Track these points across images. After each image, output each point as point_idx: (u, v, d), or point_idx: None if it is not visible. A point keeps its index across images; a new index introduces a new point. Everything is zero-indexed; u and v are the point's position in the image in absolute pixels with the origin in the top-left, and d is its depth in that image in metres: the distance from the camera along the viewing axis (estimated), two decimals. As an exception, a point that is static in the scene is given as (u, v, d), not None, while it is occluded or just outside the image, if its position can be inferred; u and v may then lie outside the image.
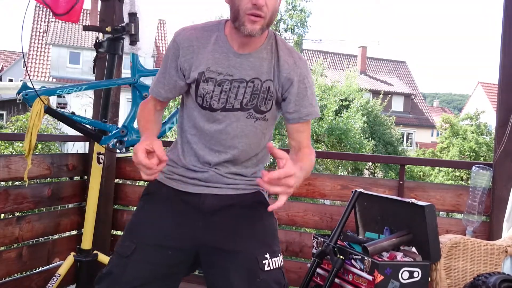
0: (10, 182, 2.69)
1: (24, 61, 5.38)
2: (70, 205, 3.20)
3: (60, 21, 23.79)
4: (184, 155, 1.54)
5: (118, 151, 2.56)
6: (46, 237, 2.87)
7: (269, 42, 1.50)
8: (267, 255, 1.46)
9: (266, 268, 1.44)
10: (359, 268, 1.95)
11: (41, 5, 2.57)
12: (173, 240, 1.48)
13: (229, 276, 1.43)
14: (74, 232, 3.05)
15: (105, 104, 2.63)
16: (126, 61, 2.65)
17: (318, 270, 2.18)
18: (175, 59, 1.49)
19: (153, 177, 1.29)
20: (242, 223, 1.50)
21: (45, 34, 23.36)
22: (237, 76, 1.46)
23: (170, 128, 2.58)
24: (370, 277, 1.88)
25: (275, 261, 1.47)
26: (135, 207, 3.48)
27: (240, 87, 1.47)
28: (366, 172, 15.91)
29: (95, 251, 2.71)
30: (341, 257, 2.02)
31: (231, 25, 1.44)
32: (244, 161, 1.54)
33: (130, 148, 2.54)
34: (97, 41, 2.57)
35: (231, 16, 1.42)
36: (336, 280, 2.04)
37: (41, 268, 2.75)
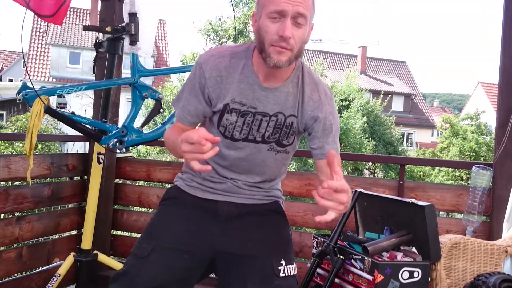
0: (10, 182, 2.69)
1: (24, 61, 5.39)
2: (70, 205, 3.20)
3: (60, 21, 23.77)
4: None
5: (118, 151, 2.56)
6: (46, 237, 2.87)
7: (296, 75, 1.46)
8: (283, 262, 1.48)
9: (282, 274, 1.46)
10: (359, 268, 1.95)
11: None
12: (190, 245, 1.49)
13: (245, 281, 1.44)
14: (74, 232, 3.05)
15: (105, 104, 2.63)
16: (126, 61, 2.65)
17: (318, 270, 2.18)
18: (201, 88, 1.46)
19: (205, 157, 1.17)
20: (258, 230, 1.53)
21: (45, 34, 23.36)
22: (260, 109, 1.45)
23: (170, 128, 2.58)
24: (370, 277, 1.88)
25: (290, 268, 1.49)
26: (135, 207, 3.48)
27: (263, 121, 1.47)
28: (366, 172, 15.90)
29: (95, 251, 2.71)
30: (341, 257, 2.02)
31: (258, 55, 1.41)
32: (262, 181, 1.58)
33: (130, 148, 2.54)
34: (97, 41, 2.57)
35: (258, 46, 1.39)
36: (336, 280, 2.04)
37: (41, 268, 2.75)
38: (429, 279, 2.00)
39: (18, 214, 2.93)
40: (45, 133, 9.55)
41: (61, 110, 2.45)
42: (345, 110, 15.51)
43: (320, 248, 2.14)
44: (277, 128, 1.48)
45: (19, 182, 2.63)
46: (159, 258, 1.46)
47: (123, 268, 1.50)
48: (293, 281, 1.48)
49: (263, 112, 1.45)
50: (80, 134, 2.51)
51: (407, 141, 28.04)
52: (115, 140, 2.43)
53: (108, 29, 2.47)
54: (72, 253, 2.63)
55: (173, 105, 1.54)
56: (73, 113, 2.41)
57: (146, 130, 2.61)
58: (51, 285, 2.46)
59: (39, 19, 23.32)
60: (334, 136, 1.50)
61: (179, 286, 1.49)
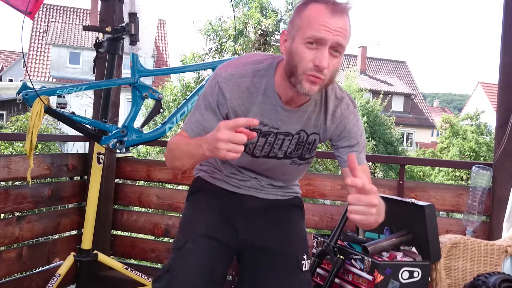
0: (10, 182, 2.69)
1: (24, 61, 5.38)
2: (70, 205, 3.20)
3: (59, 21, 23.80)
4: (225, 167, 1.58)
5: (118, 151, 2.56)
6: (46, 237, 2.87)
7: (319, 93, 1.40)
8: (305, 256, 1.53)
9: (304, 268, 1.51)
10: (359, 268, 1.95)
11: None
12: (220, 233, 1.49)
13: (271, 273, 1.47)
14: (74, 232, 3.05)
15: (105, 104, 2.63)
16: (126, 61, 2.65)
17: (318, 270, 2.18)
18: (219, 106, 1.40)
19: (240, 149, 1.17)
20: (282, 224, 1.58)
21: (45, 34, 23.37)
22: (283, 129, 1.44)
23: (170, 128, 2.59)
24: (370, 277, 1.88)
25: (308, 263, 1.54)
26: (135, 207, 3.48)
27: (285, 140, 1.46)
28: (366, 172, 15.87)
29: (95, 251, 2.71)
30: (341, 257, 2.02)
31: (283, 75, 1.34)
32: (284, 186, 1.65)
33: (130, 148, 2.54)
34: (97, 41, 2.57)
35: (287, 69, 1.31)
36: (336, 280, 2.04)
37: (41, 268, 2.75)
38: (429, 279, 2.00)
39: (18, 214, 2.93)
40: (45, 133, 9.55)
41: (61, 110, 2.45)
42: (345, 110, 15.48)
43: (320, 248, 2.14)
44: (299, 145, 1.49)
45: (19, 182, 2.63)
46: (194, 246, 1.45)
47: (167, 266, 1.45)
48: (309, 275, 1.58)
49: (285, 132, 1.44)
50: (80, 134, 2.51)
51: (407, 141, 28.05)
52: (115, 140, 2.43)
53: (108, 29, 2.47)
54: (72, 253, 2.63)
55: (184, 124, 1.48)
56: (73, 113, 2.41)
57: (146, 130, 2.61)
58: (51, 285, 2.46)
59: (39, 19, 23.37)
60: (360, 147, 1.49)
61: (212, 275, 1.43)
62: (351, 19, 1.31)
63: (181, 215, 1.66)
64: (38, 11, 2.46)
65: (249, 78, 1.39)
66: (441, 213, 3.58)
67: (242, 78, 1.39)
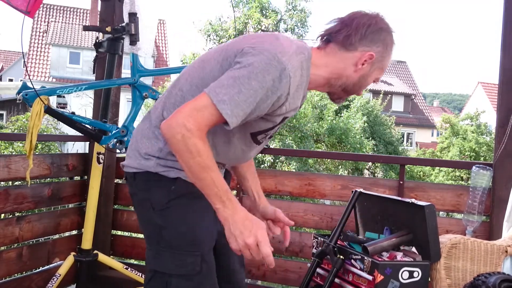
0: (10, 182, 2.69)
1: (24, 61, 5.38)
2: (70, 205, 3.20)
3: (59, 21, 23.80)
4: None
5: (118, 151, 2.56)
6: (46, 237, 2.87)
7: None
8: None
9: None
10: (359, 268, 1.95)
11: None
12: (215, 234, 1.43)
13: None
14: (74, 232, 3.05)
15: (105, 104, 2.63)
16: (126, 61, 2.65)
17: (318, 270, 2.18)
18: (276, 101, 1.26)
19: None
20: None
21: (45, 34, 23.36)
22: (288, 115, 1.38)
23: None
24: (370, 277, 1.88)
25: None
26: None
27: (281, 124, 1.43)
28: (366, 172, 15.90)
29: (95, 251, 2.71)
30: (341, 257, 2.02)
31: (326, 76, 1.36)
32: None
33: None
34: (97, 41, 2.57)
35: (344, 81, 1.37)
36: (336, 280, 2.04)
37: (41, 268, 2.75)
38: (429, 279, 2.00)
39: (18, 214, 2.93)
40: (45, 133, 9.54)
41: (61, 110, 2.45)
42: (345, 110, 15.50)
43: (320, 248, 2.14)
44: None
45: (19, 182, 2.63)
46: (210, 265, 1.38)
47: None
48: None
49: (287, 117, 1.40)
50: (80, 134, 2.52)
51: (407, 141, 28.03)
52: (115, 140, 2.43)
53: (108, 29, 2.48)
54: (72, 253, 2.63)
55: (211, 94, 1.20)
56: (73, 113, 2.41)
57: (146, 130, 2.61)
58: (51, 285, 2.46)
59: (39, 19, 23.38)
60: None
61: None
62: None
63: (160, 225, 1.36)
64: (37, 10, 2.45)
65: (304, 70, 1.31)
66: (441, 213, 3.59)
67: (302, 70, 1.30)
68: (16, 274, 2.61)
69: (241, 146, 1.39)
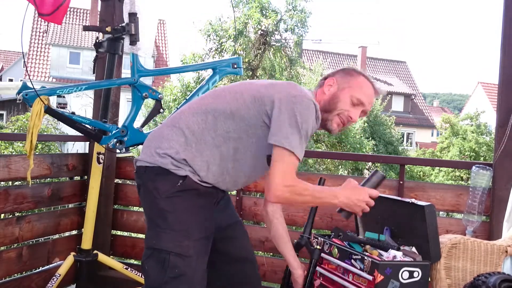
0: (10, 182, 2.69)
1: (24, 61, 5.38)
2: (70, 205, 3.20)
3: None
4: (229, 175, 1.69)
5: (118, 151, 2.56)
6: (46, 237, 2.87)
7: None
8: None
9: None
10: (359, 268, 1.95)
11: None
12: (208, 230, 1.66)
13: (243, 240, 1.91)
14: (74, 232, 3.05)
15: (105, 104, 2.63)
16: (126, 61, 2.65)
17: (319, 269, 2.18)
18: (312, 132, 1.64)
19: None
20: (229, 204, 1.91)
21: (45, 34, 23.36)
22: None
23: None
24: (370, 277, 1.88)
25: None
26: (135, 207, 3.48)
27: None
28: (366, 172, 15.90)
29: (95, 251, 2.71)
30: (318, 247, 2.06)
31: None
32: None
33: (130, 148, 2.54)
34: (97, 41, 2.57)
35: (325, 105, 1.72)
36: (337, 280, 2.04)
37: (41, 268, 2.75)
38: (429, 279, 2.00)
39: (18, 214, 2.93)
40: (45, 133, 9.54)
41: (61, 110, 2.45)
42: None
43: (295, 241, 2.12)
44: None
45: (19, 182, 2.63)
46: (201, 254, 1.61)
47: (174, 272, 1.55)
48: None
49: None
50: (80, 134, 2.51)
51: (407, 141, 28.04)
52: (115, 140, 2.43)
53: (108, 29, 2.47)
54: (72, 253, 2.64)
55: (295, 149, 1.57)
56: (73, 113, 2.41)
57: (146, 130, 2.61)
58: (51, 285, 2.47)
59: (39, 19, 23.37)
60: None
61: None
62: None
63: (165, 209, 1.61)
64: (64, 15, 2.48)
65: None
66: (441, 213, 3.59)
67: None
68: (16, 274, 2.61)
69: (255, 166, 1.70)
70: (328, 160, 13.47)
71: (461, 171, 15.71)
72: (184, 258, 1.55)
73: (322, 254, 2.18)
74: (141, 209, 3.22)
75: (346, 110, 1.71)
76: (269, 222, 1.98)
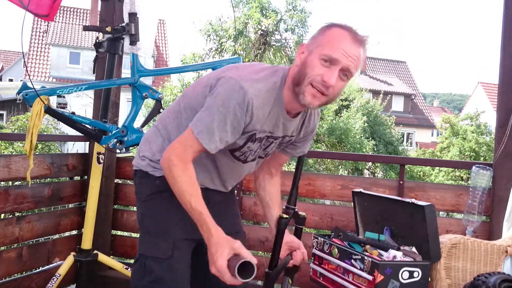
0: (10, 182, 2.69)
1: (24, 61, 5.38)
2: (70, 205, 3.20)
3: (59, 21, 23.80)
4: (203, 174, 1.57)
5: (118, 151, 2.56)
6: (46, 237, 2.87)
7: None
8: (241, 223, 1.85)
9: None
10: (359, 268, 1.95)
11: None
12: (192, 232, 1.49)
13: None
14: (74, 232, 3.05)
15: (105, 104, 2.63)
16: (126, 61, 2.65)
17: (319, 269, 2.18)
18: (244, 124, 1.40)
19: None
20: (230, 209, 1.73)
21: (45, 34, 23.36)
22: (276, 134, 1.52)
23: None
24: (370, 277, 1.88)
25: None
26: (135, 207, 3.48)
27: (273, 142, 1.55)
28: (366, 172, 15.90)
29: (95, 251, 2.71)
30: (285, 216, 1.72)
31: (290, 87, 1.42)
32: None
33: (130, 148, 2.54)
34: (97, 41, 2.57)
35: (296, 79, 1.39)
36: (337, 280, 2.04)
37: (41, 268, 2.75)
38: (429, 279, 2.00)
39: (18, 214, 2.93)
40: (45, 133, 9.54)
41: (61, 110, 2.45)
42: (345, 110, 15.51)
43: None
44: (279, 145, 1.60)
45: (19, 182, 2.63)
46: (181, 253, 1.52)
47: (152, 277, 1.49)
48: None
49: (276, 136, 1.53)
50: (80, 134, 2.52)
51: (407, 141, 28.03)
52: (115, 140, 2.43)
53: (108, 29, 2.48)
54: (72, 253, 2.63)
55: (194, 128, 1.39)
56: (73, 113, 2.41)
57: (146, 130, 2.61)
58: (51, 285, 2.47)
59: (39, 19, 23.37)
60: (310, 142, 1.70)
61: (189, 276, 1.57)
62: (365, 52, 1.40)
63: (143, 213, 1.58)
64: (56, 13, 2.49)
65: (272, 92, 1.42)
66: (441, 213, 3.59)
67: (268, 92, 1.41)
68: (16, 274, 2.61)
69: (228, 162, 1.54)
70: (328, 160, 13.48)
71: (461, 171, 15.70)
72: (162, 261, 1.49)
73: (322, 254, 2.18)
74: (141, 209, 3.23)
75: (318, 75, 1.34)
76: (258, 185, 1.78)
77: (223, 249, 1.29)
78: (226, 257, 1.28)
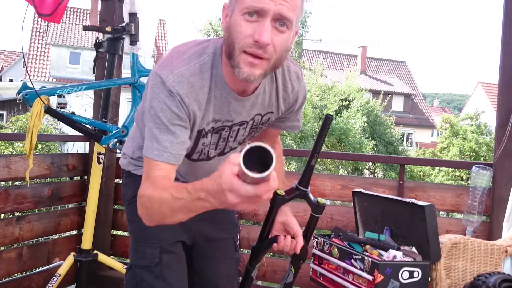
0: (10, 182, 2.69)
1: (24, 61, 5.37)
2: (70, 205, 3.20)
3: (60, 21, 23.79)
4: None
5: (118, 151, 2.56)
6: (46, 237, 2.87)
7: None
8: (238, 235, 1.65)
9: (237, 248, 1.63)
10: (359, 268, 1.95)
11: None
12: (181, 235, 1.46)
13: (217, 258, 1.57)
14: (74, 232, 3.05)
15: (105, 104, 2.63)
16: (126, 61, 2.65)
17: (319, 269, 2.18)
18: (183, 116, 1.17)
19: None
20: (221, 213, 1.42)
21: (45, 34, 23.36)
22: (237, 120, 1.29)
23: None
24: (370, 277, 1.88)
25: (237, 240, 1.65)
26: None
27: (240, 129, 1.33)
28: (366, 172, 15.90)
29: (95, 251, 2.71)
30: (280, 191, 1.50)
31: (228, 62, 1.15)
32: None
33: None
34: (97, 41, 2.58)
35: (226, 50, 1.13)
36: (337, 280, 2.04)
37: (41, 268, 2.75)
38: (429, 279, 2.00)
39: (18, 214, 2.93)
40: (45, 133, 9.54)
41: (61, 110, 2.45)
42: (345, 110, 15.52)
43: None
44: (253, 128, 1.36)
45: (19, 182, 2.63)
46: (171, 256, 1.43)
47: (143, 286, 1.41)
48: (239, 253, 1.70)
49: (240, 121, 1.30)
50: (80, 134, 2.52)
51: (407, 141, 28.04)
52: (115, 140, 2.43)
53: (108, 29, 2.48)
54: (72, 253, 2.64)
55: (145, 152, 1.18)
56: (73, 113, 2.42)
57: (146, 130, 2.61)
58: (51, 285, 2.47)
59: (39, 19, 23.38)
60: (299, 116, 1.45)
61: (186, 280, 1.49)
62: None
63: (128, 218, 1.49)
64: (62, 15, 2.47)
65: (201, 75, 1.18)
66: (441, 213, 3.59)
67: (194, 76, 1.17)
68: (16, 274, 2.60)
69: (189, 163, 1.35)
70: (328, 160, 13.47)
71: (461, 171, 15.71)
72: (151, 269, 1.40)
73: (322, 254, 2.18)
74: (141, 209, 3.23)
75: (246, 36, 1.06)
76: None
77: (222, 192, 0.90)
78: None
